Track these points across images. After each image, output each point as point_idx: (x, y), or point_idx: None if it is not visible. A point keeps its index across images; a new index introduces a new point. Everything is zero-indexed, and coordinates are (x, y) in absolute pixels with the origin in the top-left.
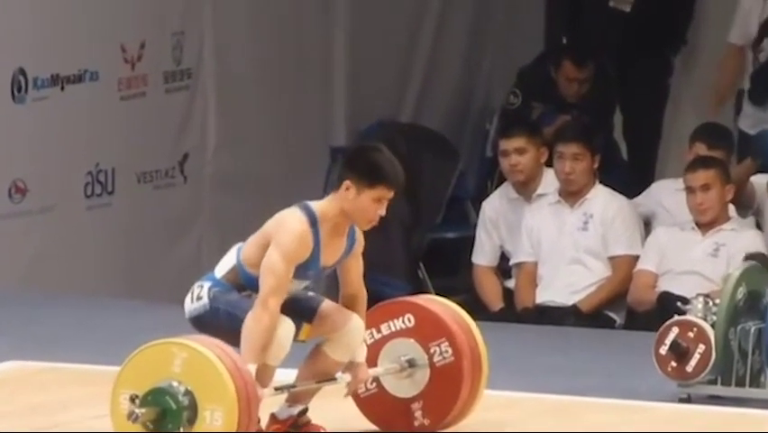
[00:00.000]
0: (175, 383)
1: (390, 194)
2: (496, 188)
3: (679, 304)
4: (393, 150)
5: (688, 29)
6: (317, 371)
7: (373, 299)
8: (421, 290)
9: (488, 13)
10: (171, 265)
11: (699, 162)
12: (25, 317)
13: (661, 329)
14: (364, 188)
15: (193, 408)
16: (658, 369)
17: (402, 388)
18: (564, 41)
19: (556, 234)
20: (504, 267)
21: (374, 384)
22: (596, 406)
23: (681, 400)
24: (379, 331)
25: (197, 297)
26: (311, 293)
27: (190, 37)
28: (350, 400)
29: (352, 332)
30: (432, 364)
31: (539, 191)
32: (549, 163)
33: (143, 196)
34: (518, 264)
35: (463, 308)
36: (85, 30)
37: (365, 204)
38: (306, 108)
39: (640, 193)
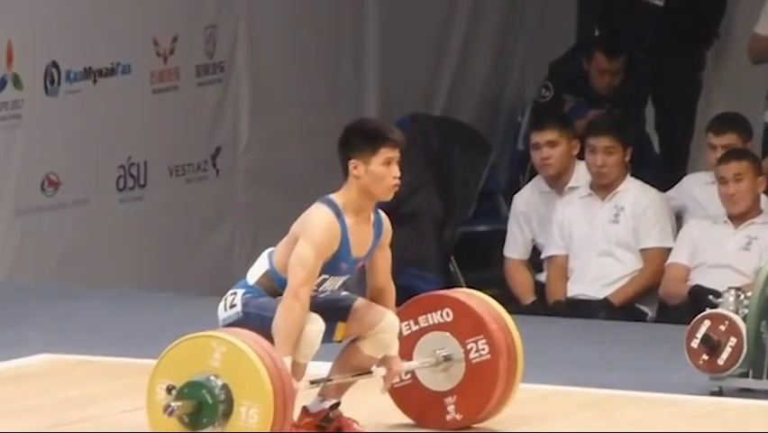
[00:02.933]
0: (212, 377)
1: (396, 152)
2: (527, 181)
3: (710, 297)
4: (425, 143)
5: (720, 23)
6: (351, 366)
7: (405, 293)
8: (452, 284)
9: (520, 5)
10: (203, 258)
11: (732, 153)
12: (58, 310)
13: (692, 322)
14: (369, 157)
15: (229, 402)
16: (690, 362)
17: (437, 381)
18: (596, 33)
19: (587, 227)
20: (535, 260)
21: (409, 376)
22: (627, 399)
23: (713, 394)
24: (416, 323)
25: (231, 304)
26: (344, 292)
27: (223, 31)
28: (381, 394)
29: (387, 329)
30: (468, 360)
31: (571, 184)
32: (581, 156)
33: (175, 189)
34: (550, 258)
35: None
36: (117, 23)
37: (377, 172)
38: (338, 102)
39: (672, 186)
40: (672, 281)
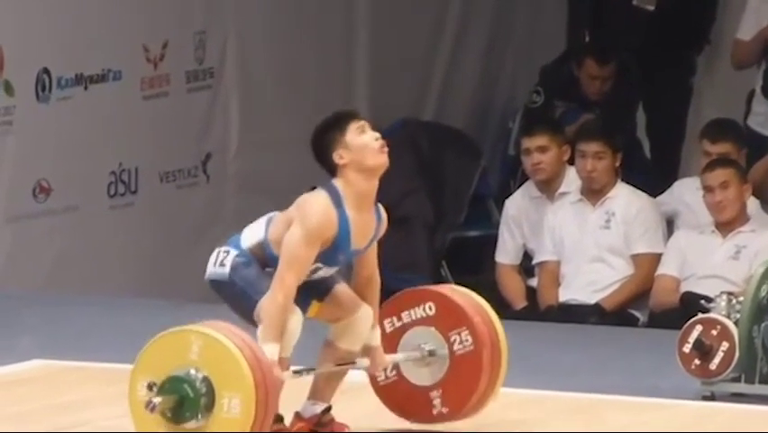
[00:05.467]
0: (192, 371)
1: (362, 121)
2: (518, 186)
3: (702, 302)
4: (415, 148)
5: (711, 28)
6: (332, 364)
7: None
8: None
9: (510, 11)
10: (194, 264)
11: (717, 162)
12: (49, 316)
13: (684, 327)
14: (343, 138)
15: (210, 395)
16: (682, 367)
17: (421, 376)
18: (587, 39)
19: (578, 232)
20: (527, 265)
21: (394, 372)
22: (619, 404)
23: (705, 398)
24: (399, 319)
25: (220, 262)
26: (330, 274)
27: (212, 37)
28: (371, 397)
29: (360, 320)
30: (452, 353)
31: (561, 189)
32: (572, 162)
33: (166, 195)
34: (541, 263)
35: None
36: (108, 30)
37: (357, 144)
38: (328, 108)
39: (663, 192)
40: (663, 292)
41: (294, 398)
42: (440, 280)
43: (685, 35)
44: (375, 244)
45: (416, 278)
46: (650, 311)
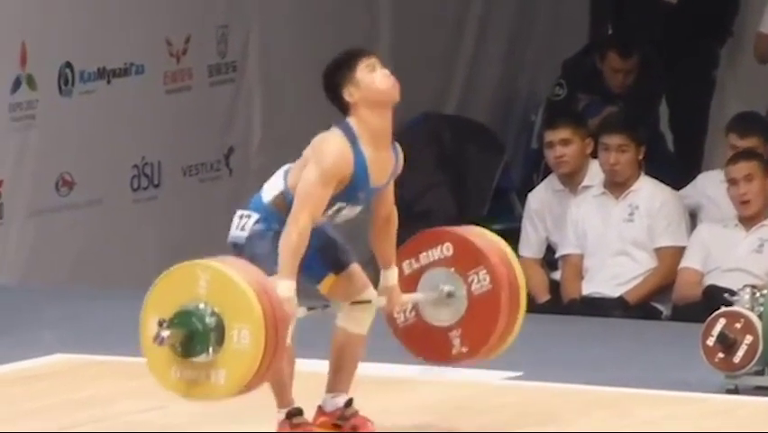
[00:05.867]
0: (201, 305)
1: (372, 58)
2: (541, 179)
3: (726, 295)
4: (437, 142)
5: (734, 21)
6: (344, 351)
7: None
8: None
9: (532, 4)
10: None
11: (741, 154)
12: (72, 310)
13: (708, 320)
14: (353, 76)
15: (220, 328)
16: (705, 360)
17: (440, 317)
18: (610, 32)
19: (602, 226)
20: (550, 259)
21: (413, 314)
22: (643, 398)
23: (729, 391)
24: (417, 261)
25: (241, 227)
26: (347, 247)
27: (235, 30)
28: (392, 393)
29: (368, 306)
30: (470, 293)
31: (585, 183)
32: (595, 155)
33: (189, 189)
34: (564, 256)
35: None
36: (131, 24)
37: (367, 81)
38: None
39: (686, 185)
40: (685, 286)
41: (312, 392)
42: None
43: (708, 28)
44: (392, 183)
45: None
46: (673, 304)
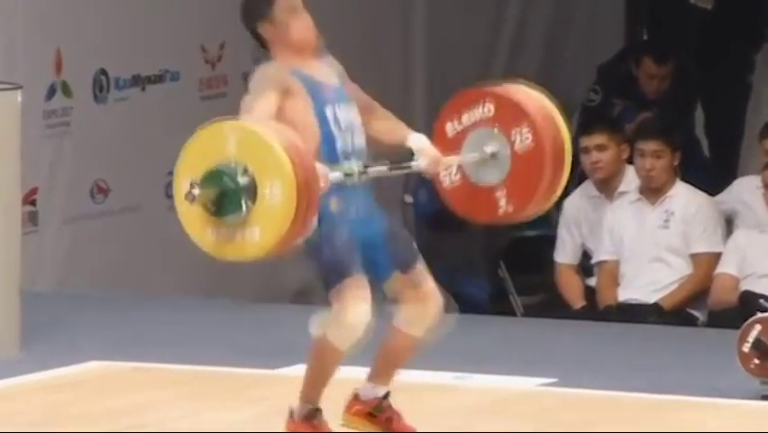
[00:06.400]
0: (233, 164)
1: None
2: (577, 185)
3: (761, 301)
4: None
5: None
6: (396, 350)
7: (454, 299)
8: (502, 289)
9: (568, 9)
10: (254, 263)
11: None
12: (108, 317)
13: (743, 327)
14: (270, 13)
15: (253, 187)
16: (741, 366)
17: (486, 176)
18: (645, 37)
19: (637, 231)
20: (585, 265)
21: (458, 176)
22: (679, 404)
23: (764, 398)
24: (460, 122)
25: None
26: (412, 244)
27: None
28: (426, 398)
29: (431, 307)
30: (513, 150)
31: (621, 189)
32: (631, 161)
33: None
34: (600, 263)
35: (545, 306)
36: (165, 30)
37: (284, 21)
38: (385, 104)
39: (722, 190)
40: (722, 291)
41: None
42: (498, 280)
43: (743, 33)
44: (356, 86)
45: (473, 278)
46: (709, 310)
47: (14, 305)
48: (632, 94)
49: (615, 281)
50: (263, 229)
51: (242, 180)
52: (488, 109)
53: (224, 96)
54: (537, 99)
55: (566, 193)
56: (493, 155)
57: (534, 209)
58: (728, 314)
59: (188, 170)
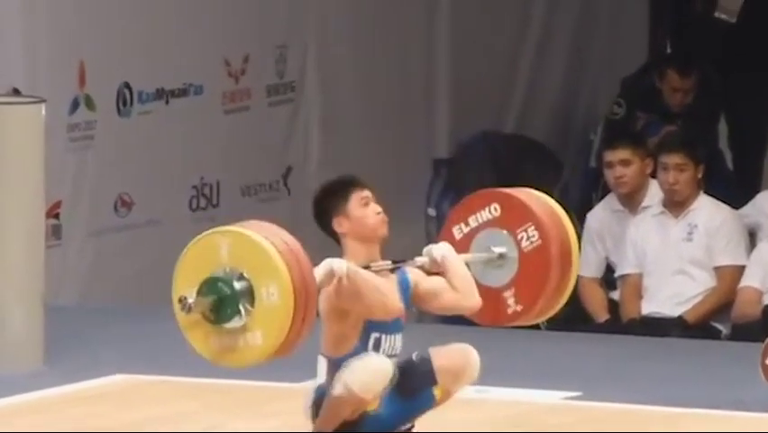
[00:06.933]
0: (227, 269)
1: (366, 191)
2: (600, 199)
3: None
4: (496, 161)
5: None
6: None
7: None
8: None
9: (591, 22)
10: None
11: None
12: (132, 330)
13: (767, 340)
14: (345, 207)
15: (250, 291)
16: (764, 380)
17: (494, 278)
18: (669, 50)
19: (661, 245)
20: (609, 278)
21: None
22: (701, 417)
23: None
24: (467, 225)
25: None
26: (414, 356)
27: (293, 50)
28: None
29: (472, 367)
30: (520, 250)
31: (644, 203)
32: (654, 175)
33: (248, 209)
34: (623, 276)
35: (568, 320)
36: (189, 44)
37: (358, 215)
38: (408, 121)
39: (746, 203)
40: (745, 304)
41: None
42: None
43: (766, 46)
44: (429, 292)
45: None
46: (732, 324)
47: (38, 318)
48: (655, 107)
49: (638, 295)
50: (264, 331)
51: (239, 285)
52: (494, 210)
53: (246, 109)
54: (542, 200)
55: (589, 205)
56: (501, 255)
57: (544, 310)
58: (752, 327)
59: (184, 282)
